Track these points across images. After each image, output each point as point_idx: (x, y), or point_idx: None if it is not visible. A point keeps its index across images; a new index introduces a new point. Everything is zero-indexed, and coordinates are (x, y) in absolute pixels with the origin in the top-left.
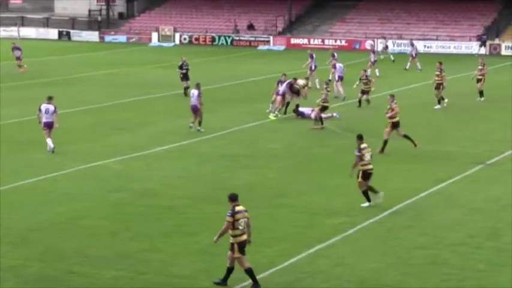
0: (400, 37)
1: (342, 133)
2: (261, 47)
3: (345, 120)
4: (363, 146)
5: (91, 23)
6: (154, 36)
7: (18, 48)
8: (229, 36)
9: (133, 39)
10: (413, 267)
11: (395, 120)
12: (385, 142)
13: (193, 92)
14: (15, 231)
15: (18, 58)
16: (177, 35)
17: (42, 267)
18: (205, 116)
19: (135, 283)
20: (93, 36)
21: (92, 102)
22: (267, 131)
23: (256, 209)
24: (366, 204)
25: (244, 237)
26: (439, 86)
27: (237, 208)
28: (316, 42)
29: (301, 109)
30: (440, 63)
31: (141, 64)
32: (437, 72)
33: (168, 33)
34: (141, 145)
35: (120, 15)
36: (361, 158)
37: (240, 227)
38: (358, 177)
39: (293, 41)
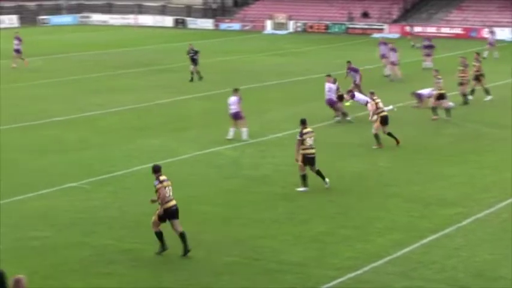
0: None
1: (459, 122)
2: (375, 35)
3: (461, 109)
4: (305, 130)
5: (206, 11)
6: (269, 24)
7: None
8: (343, 24)
9: (248, 27)
10: None
11: (383, 114)
12: (376, 136)
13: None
14: (131, 215)
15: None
16: (291, 23)
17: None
18: (315, 105)
19: (247, 269)
20: (208, 24)
21: (207, 89)
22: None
23: (367, 197)
24: (302, 189)
25: (172, 203)
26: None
27: (161, 177)
28: (431, 30)
29: (420, 91)
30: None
31: (256, 52)
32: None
33: (282, 20)
34: (255, 132)
35: (235, 2)
36: (302, 142)
37: (167, 195)
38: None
39: (408, 29)
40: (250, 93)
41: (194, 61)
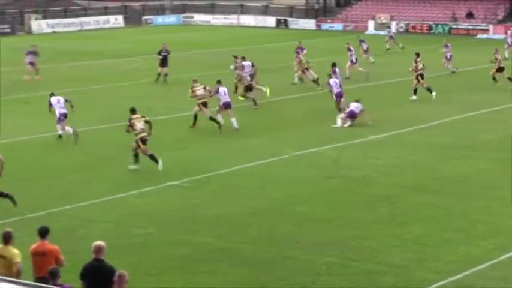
0: None
1: None
2: (479, 36)
3: None
4: (134, 116)
5: (308, 11)
6: (371, 24)
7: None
8: (446, 25)
9: (349, 28)
10: None
11: (203, 100)
12: (195, 117)
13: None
14: (232, 214)
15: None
16: (394, 23)
17: (256, 250)
18: (418, 106)
19: (346, 270)
20: (309, 24)
21: (308, 89)
22: (483, 122)
23: (469, 200)
24: (132, 166)
25: None
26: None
27: None
28: None
29: None
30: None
31: (357, 52)
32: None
33: (384, 21)
34: (357, 132)
35: (337, 3)
36: (132, 126)
37: None
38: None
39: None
40: (352, 93)
41: (165, 62)
